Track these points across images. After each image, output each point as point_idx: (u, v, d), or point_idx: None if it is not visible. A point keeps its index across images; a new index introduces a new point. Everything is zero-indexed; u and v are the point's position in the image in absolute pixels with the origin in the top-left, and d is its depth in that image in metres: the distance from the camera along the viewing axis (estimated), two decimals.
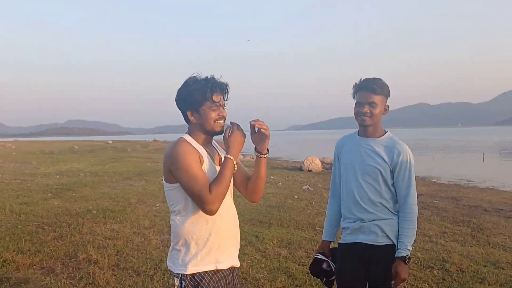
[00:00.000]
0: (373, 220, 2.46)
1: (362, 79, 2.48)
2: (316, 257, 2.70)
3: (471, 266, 4.83)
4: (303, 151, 35.36)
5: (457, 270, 4.71)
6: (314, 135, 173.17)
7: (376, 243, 2.45)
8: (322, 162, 18.69)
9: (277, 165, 20.97)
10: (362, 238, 2.49)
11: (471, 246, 5.79)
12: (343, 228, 2.61)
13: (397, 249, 2.41)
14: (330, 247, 2.73)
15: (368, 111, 2.43)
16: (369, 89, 2.43)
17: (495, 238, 6.21)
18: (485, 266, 4.84)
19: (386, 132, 2.53)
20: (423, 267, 4.85)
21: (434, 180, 16.03)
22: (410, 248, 2.41)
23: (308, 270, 2.78)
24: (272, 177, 14.56)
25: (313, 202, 9.39)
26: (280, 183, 13.02)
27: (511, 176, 17.63)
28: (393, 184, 2.46)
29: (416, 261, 4.97)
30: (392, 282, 2.41)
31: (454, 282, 4.38)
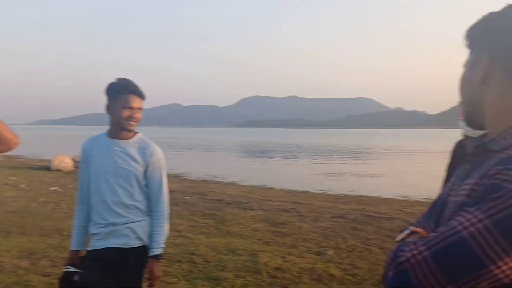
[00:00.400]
0: (125, 223, 2.44)
1: (124, 81, 2.44)
2: (65, 270, 2.50)
3: (215, 255, 5.36)
4: (52, 148, 32.29)
5: (202, 261, 5.14)
6: (66, 130, 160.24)
7: (128, 246, 2.44)
8: (73, 161, 17.45)
9: (19, 164, 18.47)
10: (113, 243, 2.44)
11: (215, 237, 6.42)
12: (93, 234, 2.50)
13: (151, 248, 2.47)
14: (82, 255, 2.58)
15: (139, 117, 2.45)
16: (140, 95, 2.45)
17: (234, 228, 7.05)
18: (226, 254, 5.45)
19: (137, 133, 2.55)
20: (173, 261, 5.11)
21: (185, 177, 17.06)
22: (163, 245, 2.50)
23: (57, 283, 2.55)
24: (12, 178, 12.75)
25: (62, 205, 8.68)
26: (24, 185, 11.53)
27: (248, 172, 20.40)
28: (146, 185, 2.51)
29: (167, 257, 5.18)
30: (149, 281, 2.45)
31: (200, 272, 4.77)
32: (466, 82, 1.02)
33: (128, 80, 2.45)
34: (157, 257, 2.46)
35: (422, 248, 0.86)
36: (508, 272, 0.79)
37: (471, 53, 1.02)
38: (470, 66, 1.01)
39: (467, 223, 0.82)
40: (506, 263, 0.78)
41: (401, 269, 0.88)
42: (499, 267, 0.79)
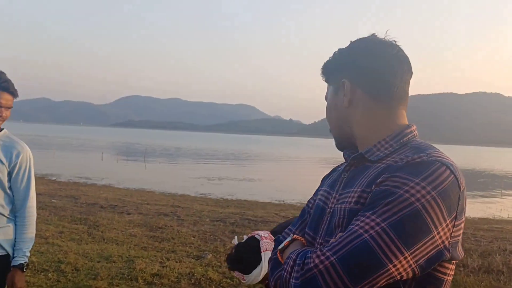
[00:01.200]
0: None
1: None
2: None
3: (86, 263, 5.00)
4: None
5: (72, 270, 4.75)
6: None
7: None
8: None
9: None
10: None
11: (87, 244, 5.99)
12: None
13: (14, 257, 2.22)
14: None
15: (6, 115, 2.19)
16: (13, 93, 2.17)
17: (109, 234, 6.67)
18: (99, 262, 5.11)
19: (2, 129, 2.27)
20: (38, 271, 4.65)
21: (54, 179, 15.72)
22: (28, 254, 2.28)
23: None
24: None
25: None
26: None
27: (125, 174, 19.55)
28: (10, 187, 2.24)
29: (31, 266, 4.70)
30: None
31: (69, 282, 4.40)
32: (333, 109, 1.14)
33: (0, 74, 2.16)
34: (21, 267, 2.21)
35: (328, 253, 0.91)
36: (401, 269, 0.88)
37: (330, 85, 1.16)
38: (334, 94, 1.13)
39: (367, 227, 0.89)
40: (400, 262, 0.87)
41: (310, 276, 0.91)
42: (395, 266, 0.87)
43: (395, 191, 0.90)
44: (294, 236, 1.12)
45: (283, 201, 13.21)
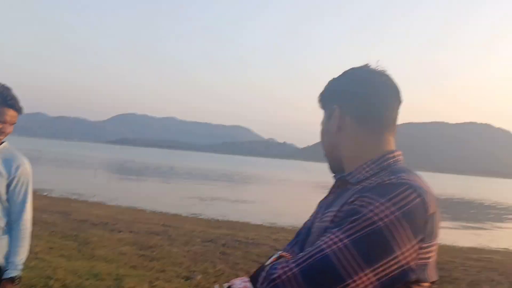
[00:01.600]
0: None
1: (3, 91, 2.19)
2: None
3: (75, 280, 4.97)
4: None
5: (60, 286, 4.74)
6: None
7: None
8: None
9: None
10: None
11: (76, 261, 5.96)
12: None
13: (6, 269, 2.24)
14: None
15: (9, 131, 2.24)
16: (18, 110, 2.24)
17: (99, 251, 6.63)
18: (87, 279, 5.09)
19: (3, 142, 2.33)
20: (26, 286, 4.62)
21: (45, 194, 15.60)
22: (21, 267, 2.30)
23: None
24: None
25: None
26: None
27: (117, 192, 19.44)
28: (7, 200, 2.29)
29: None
30: None
31: None
32: (325, 134, 1.22)
33: (7, 90, 2.21)
34: (13, 279, 2.24)
35: (292, 265, 0.98)
36: (361, 286, 0.93)
37: (325, 111, 1.24)
38: (327, 120, 1.22)
39: (330, 242, 0.96)
40: (360, 278, 0.93)
41: (273, 285, 0.98)
42: (354, 281, 0.92)
43: (360, 210, 0.96)
44: (281, 253, 1.18)
45: (275, 224, 13.18)
